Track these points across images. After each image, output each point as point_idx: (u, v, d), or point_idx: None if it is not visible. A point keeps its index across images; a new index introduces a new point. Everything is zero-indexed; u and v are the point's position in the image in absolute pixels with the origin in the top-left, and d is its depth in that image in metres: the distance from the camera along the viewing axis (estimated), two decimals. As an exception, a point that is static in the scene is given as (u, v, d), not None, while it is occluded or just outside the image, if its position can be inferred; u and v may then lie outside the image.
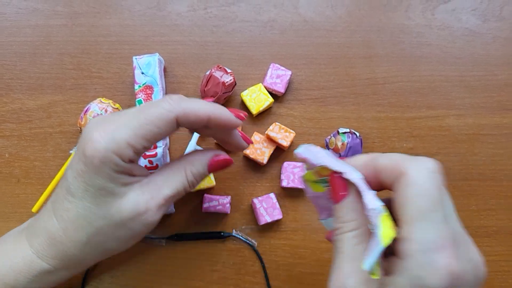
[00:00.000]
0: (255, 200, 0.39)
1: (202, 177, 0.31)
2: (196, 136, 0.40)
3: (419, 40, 0.45)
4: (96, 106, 0.39)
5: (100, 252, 0.30)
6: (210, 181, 0.40)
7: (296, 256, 0.40)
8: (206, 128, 0.30)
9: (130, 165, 0.28)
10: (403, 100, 0.43)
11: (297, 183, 0.40)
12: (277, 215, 0.39)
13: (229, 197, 0.40)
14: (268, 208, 0.39)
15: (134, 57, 0.41)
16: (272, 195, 0.40)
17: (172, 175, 0.30)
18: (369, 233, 0.23)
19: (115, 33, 0.45)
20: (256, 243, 0.40)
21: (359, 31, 0.45)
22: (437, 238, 0.20)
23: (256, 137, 0.41)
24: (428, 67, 0.44)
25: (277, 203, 0.39)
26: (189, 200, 0.41)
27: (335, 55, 0.44)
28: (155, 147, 0.39)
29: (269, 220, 0.39)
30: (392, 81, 0.44)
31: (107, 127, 0.27)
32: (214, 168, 0.31)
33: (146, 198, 0.28)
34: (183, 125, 0.28)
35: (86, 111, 0.39)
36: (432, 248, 0.20)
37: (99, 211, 0.28)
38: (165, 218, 0.41)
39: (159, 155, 0.39)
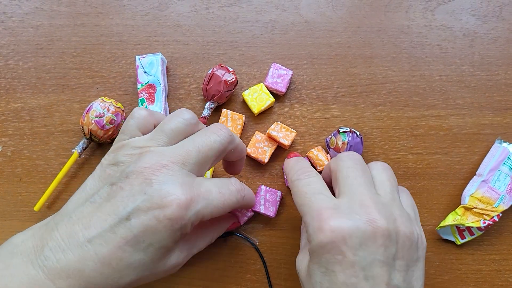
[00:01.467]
0: (262, 187, 0.40)
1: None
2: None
3: (420, 40, 0.45)
4: (98, 105, 0.40)
5: None
6: None
7: (297, 254, 0.40)
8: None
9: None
10: (404, 99, 0.44)
11: None
12: (271, 212, 0.39)
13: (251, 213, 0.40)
14: (268, 201, 0.39)
15: (137, 57, 0.42)
16: (279, 193, 0.40)
17: (203, 238, 0.34)
18: None
19: (118, 33, 0.45)
20: (257, 242, 0.40)
21: (360, 32, 0.45)
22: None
23: (258, 136, 0.41)
24: (428, 67, 0.44)
25: (278, 203, 0.40)
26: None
27: (336, 55, 0.45)
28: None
29: (261, 210, 0.39)
30: (393, 81, 0.44)
31: (191, 194, 0.28)
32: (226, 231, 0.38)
33: (184, 255, 0.31)
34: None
35: (88, 110, 0.40)
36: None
37: (150, 264, 0.28)
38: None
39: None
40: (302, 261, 0.32)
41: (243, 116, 0.41)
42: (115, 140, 0.32)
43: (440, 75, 0.44)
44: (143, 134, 0.32)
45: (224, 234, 0.40)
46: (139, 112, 0.32)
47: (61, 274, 0.26)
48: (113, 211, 0.27)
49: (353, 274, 0.27)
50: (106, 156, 0.31)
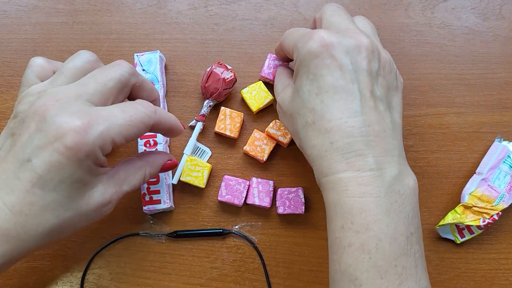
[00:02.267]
0: (254, 179, 0.40)
1: (155, 175, 0.35)
2: (196, 133, 0.40)
3: (419, 38, 0.45)
4: None
5: (51, 241, 0.28)
6: (201, 182, 0.40)
7: (296, 253, 0.40)
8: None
9: (104, 160, 0.28)
10: (403, 98, 0.43)
11: (293, 209, 0.39)
12: (266, 203, 0.39)
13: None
14: (261, 192, 0.39)
15: (135, 54, 0.41)
16: (271, 182, 0.40)
17: (134, 172, 0.32)
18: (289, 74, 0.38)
19: (116, 31, 0.45)
20: (256, 240, 0.40)
21: (359, 30, 0.45)
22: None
23: (256, 134, 0.41)
24: (428, 65, 0.44)
25: (271, 193, 0.39)
26: (189, 197, 0.41)
27: (335, 53, 0.44)
28: (156, 144, 0.39)
29: (256, 202, 0.39)
30: (392, 79, 0.44)
31: (88, 118, 0.26)
32: (164, 170, 0.35)
33: (111, 192, 0.30)
34: (152, 130, 0.31)
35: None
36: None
37: (68, 203, 0.27)
38: (165, 215, 0.41)
39: (159, 151, 0.39)
40: (284, 94, 0.34)
41: (242, 114, 0.41)
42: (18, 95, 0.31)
43: (440, 73, 0.44)
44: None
45: (224, 232, 0.40)
46: (35, 61, 0.32)
47: None
48: (15, 158, 0.26)
49: (341, 77, 0.29)
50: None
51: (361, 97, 0.28)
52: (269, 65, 0.42)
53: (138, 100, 0.31)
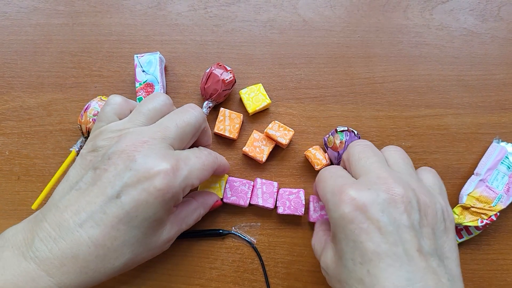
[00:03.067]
0: (258, 180, 0.40)
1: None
2: None
3: (418, 40, 0.45)
4: (96, 104, 0.40)
5: (113, 276, 0.29)
6: (219, 193, 0.40)
7: (295, 253, 0.40)
8: None
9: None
10: (402, 99, 0.44)
11: (293, 210, 0.39)
12: (270, 204, 0.39)
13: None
14: (265, 193, 0.39)
15: (135, 55, 0.42)
16: (275, 183, 0.40)
17: (191, 213, 0.35)
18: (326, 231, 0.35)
19: (116, 32, 0.45)
20: (255, 241, 0.40)
21: (358, 31, 0.45)
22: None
23: (255, 135, 0.41)
24: (426, 67, 0.44)
25: (275, 194, 0.40)
26: (189, 197, 0.41)
27: (334, 54, 0.45)
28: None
29: (260, 203, 0.39)
30: (391, 80, 0.44)
31: (175, 162, 0.28)
32: (212, 209, 0.38)
33: (175, 230, 0.32)
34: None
35: (86, 109, 0.40)
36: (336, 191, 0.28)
37: (144, 239, 0.28)
38: (165, 216, 0.41)
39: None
40: (326, 256, 0.30)
41: (241, 115, 0.41)
42: (92, 129, 0.32)
43: (438, 74, 0.44)
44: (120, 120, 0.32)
45: (223, 232, 0.40)
46: (114, 99, 0.33)
47: (54, 263, 0.26)
48: (101, 192, 0.27)
49: (382, 240, 0.25)
50: (84, 146, 0.31)
51: (409, 260, 0.25)
52: (315, 208, 0.40)
53: (201, 148, 0.33)
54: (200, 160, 0.31)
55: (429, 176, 0.32)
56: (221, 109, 0.41)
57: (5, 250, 0.27)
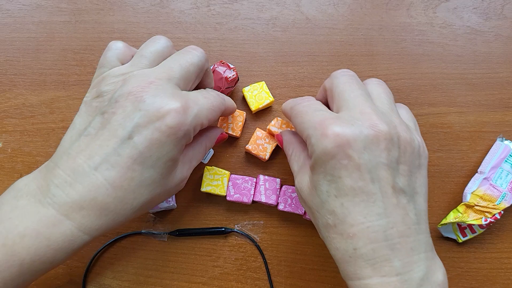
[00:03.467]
0: (261, 176, 0.40)
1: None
2: None
3: (421, 38, 0.45)
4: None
5: (136, 216, 0.30)
6: (222, 190, 0.40)
7: (298, 252, 0.40)
8: None
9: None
10: (405, 97, 0.43)
11: (294, 208, 0.39)
12: (272, 200, 0.39)
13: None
14: (268, 190, 0.39)
15: (137, 53, 0.41)
16: (278, 180, 0.40)
17: (198, 148, 0.34)
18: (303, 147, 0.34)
19: (119, 30, 0.45)
20: (258, 239, 0.40)
21: (361, 29, 0.45)
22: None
23: (258, 133, 0.41)
24: (429, 65, 0.44)
25: (278, 190, 0.39)
26: (191, 195, 0.41)
27: (337, 52, 0.45)
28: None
29: (263, 200, 0.39)
30: (394, 79, 0.44)
31: (184, 100, 0.28)
32: (217, 143, 0.38)
33: (187, 168, 0.32)
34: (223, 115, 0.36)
35: (89, 106, 0.39)
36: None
37: (160, 179, 0.29)
38: (167, 214, 0.41)
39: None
40: (302, 180, 0.31)
41: (244, 113, 0.41)
42: (94, 76, 0.32)
43: (442, 72, 0.44)
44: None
45: (226, 230, 0.40)
46: (116, 44, 0.33)
47: (73, 207, 0.26)
48: (112, 135, 0.27)
49: (360, 177, 0.26)
50: (87, 93, 0.31)
51: (383, 196, 0.27)
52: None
53: (208, 89, 0.34)
54: (209, 100, 0.31)
55: (403, 112, 0.33)
56: None
57: (20, 199, 0.27)
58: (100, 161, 0.27)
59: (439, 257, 0.40)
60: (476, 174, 0.41)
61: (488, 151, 0.41)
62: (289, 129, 0.39)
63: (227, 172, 0.40)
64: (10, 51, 0.44)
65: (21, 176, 0.41)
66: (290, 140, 0.36)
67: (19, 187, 0.28)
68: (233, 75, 0.40)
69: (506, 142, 0.41)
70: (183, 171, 0.32)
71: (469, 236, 0.40)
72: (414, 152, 0.29)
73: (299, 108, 0.32)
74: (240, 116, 0.41)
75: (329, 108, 0.32)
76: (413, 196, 0.28)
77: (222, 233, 0.40)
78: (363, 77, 0.43)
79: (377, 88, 0.32)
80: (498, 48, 0.45)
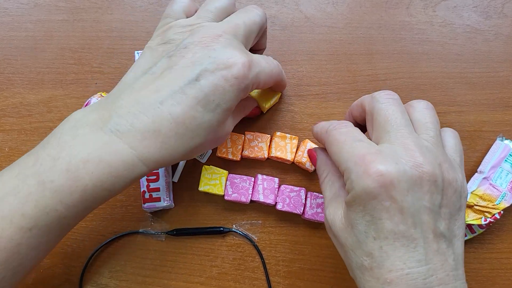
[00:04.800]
0: (259, 176, 0.39)
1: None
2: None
3: (421, 37, 0.45)
4: (96, 100, 0.39)
5: (187, 157, 0.31)
6: (220, 190, 0.39)
7: (296, 252, 0.40)
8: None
9: None
10: (404, 96, 0.43)
11: (292, 208, 0.39)
12: (271, 200, 0.39)
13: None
14: (266, 189, 0.39)
15: (136, 52, 0.41)
16: (276, 179, 0.39)
17: (239, 112, 0.36)
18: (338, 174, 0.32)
19: (117, 29, 0.45)
20: (256, 239, 0.40)
21: (360, 28, 0.45)
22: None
23: (248, 136, 0.40)
24: (429, 64, 0.44)
25: (276, 190, 0.39)
26: (189, 195, 0.41)
27: (336, 51, 0.44)
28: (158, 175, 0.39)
29: (261, 199, 0.39)
30: (393, 78, 0.44)
31: (250, 57, 0.30)
32: (251, 114, 0.40)
33: (232, 123, 0.34)
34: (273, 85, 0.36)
35: (86, 105, 0.39)
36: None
37: (215, 126, 0.30)
38: (165, 213, 0.41)
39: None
40: (335, 213, 0.29)
41: (243, 136, 0.40)
42: (158, 26, 0.33)
43: (441, 72, 0.44)
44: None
45: (224, 230, 0.40)
46: None
47: (136, 136, 0.27)
48: (180, 75, 0.28)
49: (402, 221, 0.25)
50: (150, 41, 0.32)
51: (424, 242, 0.25)
52: (311, 205, 0.39)
53: (270, 57, 0.34)
54: (270, 66, 0.32)
55: (451, 140, 0.31)
56: None
57: (80, 128, 0.28)
58: (166, 96, 0.28)
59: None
60: (476, 173, 0.40)
61: (488, 151, 0.41)
62: (323, 148, 0.35)
63: (225, 172, 0.40)
64: (8, 49, 0.44)
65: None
66: (325, 162, 0.33)
67: (77, 118, 0.28)
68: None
69: (506, 141, 0.41)
70: (230, 124, 0.33)
71: (469, 236, 0.39)
72: (456, 193, 0.27)
73: (335, 135, 0.30)
74: (239, 139, 0.40)
75: (365, 127, 0.31)
76: (452, 240, 0.27)
77: (220, 232, 0.40)
78: (362, 76, 0.43)
79: (425, 114, 0.30)
80: (498, 47, 0.44)
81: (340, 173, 0.29)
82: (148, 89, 0.28)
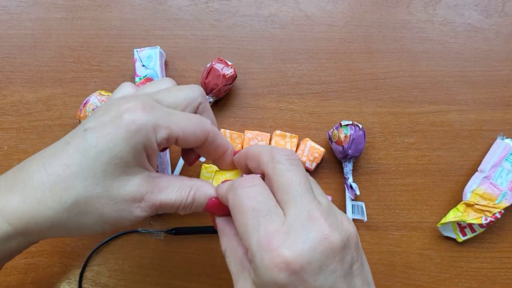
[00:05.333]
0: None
1: (197, 208, 0.29)
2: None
3: (421, 35, 0.44)
4: (96, 99, 0.39)
5: (70, 226, 0.26)
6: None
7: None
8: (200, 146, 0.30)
9: (155, 152, 0.27)
10: (405, 95, 0.43)
11: None
12: None
13: None
14: None
15: (135, 50, 0.41)
16: None
17: (178, 187, 0.29)
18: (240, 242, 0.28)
19: (116, 27, 0.44)
20: (255, 238, 0.40)
21: (360, 26, 0.45)
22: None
23: (248, 134, 0.40)
24: (430, 63, 0.44)
25: None
26: (189, 194, 0.41)
27: (336, 50, 0.44)
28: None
29: None
30: (394, 76, 0.43)
31: (150, 103, 0.27)
32: (210, 208, 0.30)
33: (147, 190, 0.27)
34: (204, 148, 0.30)
35: (85, 103, 0.39)
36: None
37: (102, 178, 0.26)
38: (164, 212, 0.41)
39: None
40: (244, 286, 0.26)
41: (242, 135, 0.40)
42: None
43: (442, 70, 0.44)
44: None
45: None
46: (124, 85, 0.31)
47: (5, 189, 0.25)
48: (75, 130, 0.26)
49: None
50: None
51: None
52: None
53: (200, 116, 0.30)
54: (188, 116, 0.28)
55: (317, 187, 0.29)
56: (221, 130, 0.40)
57: None
58: (50, 154, 0.26)
59: (439, 257, 0.40)
60: (476, 172, 0.40)
61: (488, 150, 0.41)
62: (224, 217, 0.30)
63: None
64: (7, 48, 0.44)
65: (17, 173, 0.41)
66: (223, 230, 0.29)
67: None
68: (231, 72, 0.40)
69: (507, 140, 0.40)
70: (139, 188, 0.27)
71: (469, 235, 0.39)
72: (356, 240, 0.26)
73: (241, 198, 0.26)
74: (238, 138, 0.39)
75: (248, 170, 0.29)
76: (369, 286, 0.26)
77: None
78: (362, 74, 0.43)
79: (298, 173, 0.27)
80: (499, 46, 0.44)
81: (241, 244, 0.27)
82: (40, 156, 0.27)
